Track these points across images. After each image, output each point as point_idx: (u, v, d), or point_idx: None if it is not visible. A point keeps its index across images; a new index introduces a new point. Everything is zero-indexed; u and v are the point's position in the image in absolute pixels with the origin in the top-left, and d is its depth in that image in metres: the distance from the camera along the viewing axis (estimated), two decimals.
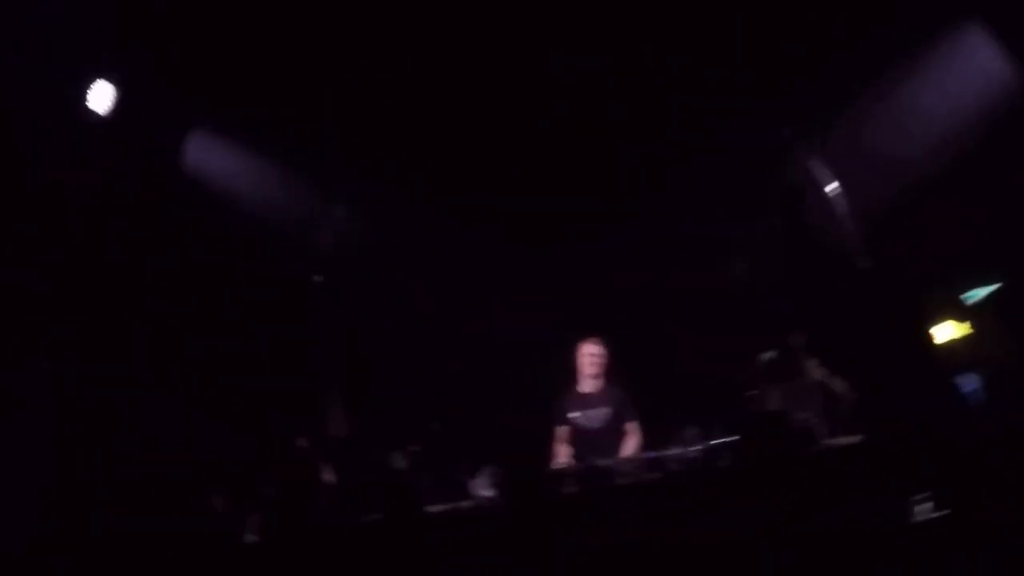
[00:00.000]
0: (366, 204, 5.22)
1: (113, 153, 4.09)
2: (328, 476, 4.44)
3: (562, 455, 4.55)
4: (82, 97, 3.99)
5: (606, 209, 5.49)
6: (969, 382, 3.88)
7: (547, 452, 4.54)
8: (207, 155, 4.63)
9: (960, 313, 4.03)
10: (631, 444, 4.55)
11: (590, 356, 4.65)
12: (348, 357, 4.85)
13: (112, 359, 4.23)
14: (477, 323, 5.59)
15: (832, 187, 4.39)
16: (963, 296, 4.30)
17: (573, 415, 4.63)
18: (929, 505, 2.56)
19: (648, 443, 4.55)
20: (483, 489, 4.20)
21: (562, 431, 4.63)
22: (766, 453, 3.22)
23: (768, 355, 4.92)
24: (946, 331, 4.09)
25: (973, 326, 3.94)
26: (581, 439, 4.54)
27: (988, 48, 3.84)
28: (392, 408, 5.23)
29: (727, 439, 4.07)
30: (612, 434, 4.54)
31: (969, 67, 3.97)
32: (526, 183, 5.36)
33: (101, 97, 4.06)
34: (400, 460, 4.87)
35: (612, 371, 4.68)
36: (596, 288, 5.61)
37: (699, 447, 4.11)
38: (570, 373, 4.76)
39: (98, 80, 4.03)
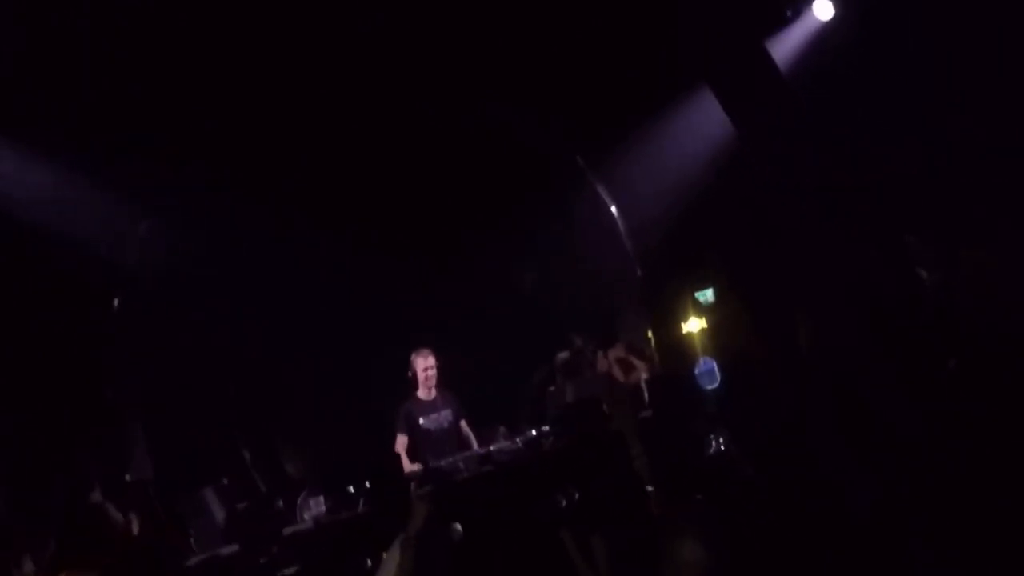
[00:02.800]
0: (174, 219, 4.77)
1: None
2: (133, 526, 3.98)
3: (408, 461, 4.77)
4: None
5: (417, 229, 5.80)
6: (707, 364, 5.07)
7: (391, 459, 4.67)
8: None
9: (702, 310, 5.25)
10: (473, 440, 4.96)
11: (427, 368, 4.94)
12: (150, 387, 4.39)
13: None
14: (282, 344, 5.46)
15: (612, 208, 5.34)
16: (697, 295, 5.58)
17: (422, 421, 4.89)
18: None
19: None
20: (311, 510, 4.20)
21: (403, 438, 4.84)
22: (583, 434, 3.82)
23: (563, 355, 5.74)
24: (693, 325, 5.29)
25: (710, 321, 5.17)
26: (427, 442, 4.83)
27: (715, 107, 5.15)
28: (197, 439, 4.86)
29: (541, 430, 4.72)
30: (453, 435, 4.93)
31: (707, 119, 5.25)
32: (339, 200, 5.44)
33: None
34: (210, 494, 4.57)
35: (442, 376, 5.02)
36: (405, 301, 5.89)
37: (520, 440, 4.68)
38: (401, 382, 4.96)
39: None
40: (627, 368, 5.71)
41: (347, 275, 5.70)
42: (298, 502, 4.36)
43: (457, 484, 4.05)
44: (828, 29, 4.92)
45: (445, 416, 4.96)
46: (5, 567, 3.46)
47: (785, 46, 4.96)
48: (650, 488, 2.76)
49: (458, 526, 3.20)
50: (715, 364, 4.96)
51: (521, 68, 5.17)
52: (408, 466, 4.69)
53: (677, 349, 5.22)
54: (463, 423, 5.05)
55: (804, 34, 4.98)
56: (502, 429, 5.24)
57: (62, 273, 4.22)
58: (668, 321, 5.36)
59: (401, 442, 4.82)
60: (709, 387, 4.82)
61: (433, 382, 4.95)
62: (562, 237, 6.09)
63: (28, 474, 3.85)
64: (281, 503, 4.59)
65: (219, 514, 4.39)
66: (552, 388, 5.72)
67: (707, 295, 5.68)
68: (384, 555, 2.31)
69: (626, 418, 2.97)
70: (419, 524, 2.17)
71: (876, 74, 4.48)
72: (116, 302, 4.11)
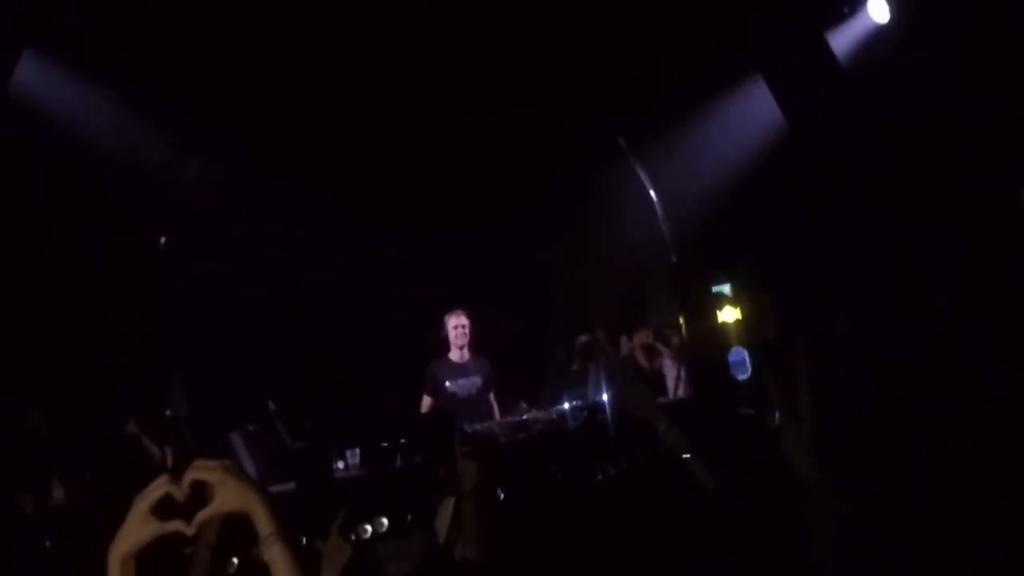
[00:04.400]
0: (224, 162, 4.74)
1: None
2: (167, 459, 4.01)
3: None
4: None
5: (454, 202, 5.81)
6: (738, 354, 5.11)
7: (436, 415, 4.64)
8: (41, 81, 3.77)
9: (736, 300, 5.27)
10: (496, 412, 4.93)
11: (459, 327, 4.87)
12: (189, 330, 4.37)
13: None
14: (315, 303, 5.46)
15: (651, 192, 5.34)
16: (714, 288, 5.63)
17: (448, 384, 4.83)
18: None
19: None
20: (346, 461, 4.20)
21: (427, 400, 4.80)
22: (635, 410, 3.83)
23: (583, 338, 5.76)
24: (728, 314, 5.31)
25: (743, 311, 5.19)
26: (453, 407, 4.75)
27: (768, 99, 5.17)
28: (227, 385, 4.85)
29: (573, 404, 4.73)
30: (480, 402, 4.87)
31: (754, 111, 5.27)
32: (388, 168, 5.43)
33: None
34: (238, 439, 4.58)
35: (476, 341, 4.97)
36: (435, 272, 5.89)
37: (554, 411, 4.70)
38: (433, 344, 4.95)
39: None
40: (651, 354, 5.74)
41: (387, 243, 5.69)
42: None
43: (493, 449, 4.06)
44: (885, 29, 4.95)
45: (474, 382, 4.87)
46: (38, 491, 3.47)
47: (843, 40, 4.98)
48: (687, 456, 2.75)
49: (499, 491, 3.21)
50: (746, 354, 5.00)
51: (570, 49, 5.16)
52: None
53: (710, 338, 5.24)
54: (491, 395, 4.98)
55: (862, 31, 5.00)
56: (523, 404, 5.25)
57: (115, 198, 4.18)
58: (702, 310, 5.39)
59: (425, 403, 4.77)
60: (741, 377, 4.86)
61: (464, 342, 4.85)
62: (600, 217, 6.10)
63: (70, 402, 3.84)
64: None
65: (244, 458, 4.41)
66: (574, 367, 5.76)
67: (724, 288, 5.71)
68: (439, 511, 2.33)
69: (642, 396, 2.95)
70: (473, 479, 2.19)
71: (928, 74, 4.51)
72: (162, 240, 4.07)
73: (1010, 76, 4.41)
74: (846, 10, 5.24)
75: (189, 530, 1.10)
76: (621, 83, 5.35)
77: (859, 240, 4.40)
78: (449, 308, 4.97)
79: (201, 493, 1.13)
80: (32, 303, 3.89)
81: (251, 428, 4.64)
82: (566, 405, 4.76)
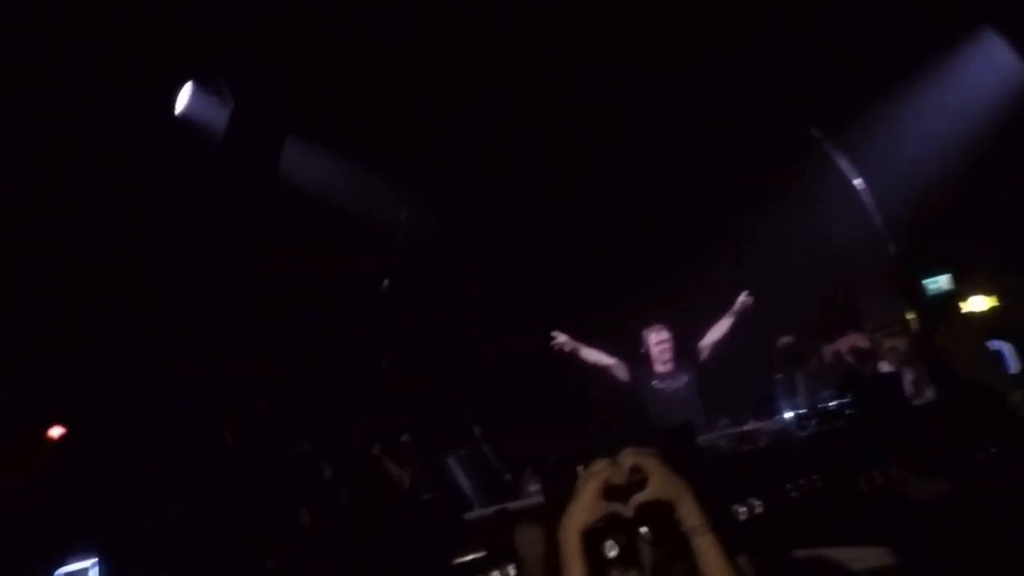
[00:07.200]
0: (436, 207, 5.18)
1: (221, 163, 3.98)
2: (405, 480, 4.33)
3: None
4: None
5: (645, 209, 5.75)
6: (998, 346, 4.42)
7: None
8: (300, 160, 4.56)
9: (989, 286, 4.59)
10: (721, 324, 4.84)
11: (660, 342, 4.82)
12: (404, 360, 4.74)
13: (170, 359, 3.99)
14: (520, 325, 5.62)
15: (858, 182, 4.86)
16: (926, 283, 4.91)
17: (654, 383, 4.81)
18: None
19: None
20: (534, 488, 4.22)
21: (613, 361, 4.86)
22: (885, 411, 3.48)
23: (785, 340, 5.33)
24: (978, 303, 4.65)
25: (1000, 297, 4.50)
26: (661, 403, 4.72)
27: (1001, 51, 4.48)
28: (431, 413, 5.13)
29: (799, 413, 4.39)
30: (690, 401, 4.75)
31: (984, 69, 4.61)
32: (588, 195, 5.55)
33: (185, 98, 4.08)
34: (454, 464, 4.79)
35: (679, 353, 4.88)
36: (635, 285, 5.81)
37: (776, 421, 4.41)
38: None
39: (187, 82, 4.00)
40: (862, 356, 5.20)
41: (584, 261, 5.76)
42: (523, 480, 4.42)
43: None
44: None
45: (681, 379, 4.80)
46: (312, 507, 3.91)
47: None
48: None
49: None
50: (1006, 347, 4.32)
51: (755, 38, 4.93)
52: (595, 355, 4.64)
53: (957, 332, 4.60)
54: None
55: None
56: (724, 420, 4.98)
57: (349, 250, 4.72)
58: (940, 302, 4.77)
59: (597, 356, 4.75)
60: (1008, 371, 4.20)
61: (669, 356, 4.79)
62: (799, 217, 5.69)
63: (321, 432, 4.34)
64: (509, 477, 4.73)
65: (462, 480, 4.63)
66: (780, 376, 5.36)
67: (939, 283, 4.99)
68: None
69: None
70: None
71: None
72: (386, 283, 4.49)
73: None
74: None
75: (628, 512, 1.17)
76: (808, 68, 4.99)
77: None
78: (647, 323, 4.91)
79: (637, 479, 1.21)
80: (290, 354, 4.48)
81: (463, 452, 4.86)
82: (788, 414, 4.44)
